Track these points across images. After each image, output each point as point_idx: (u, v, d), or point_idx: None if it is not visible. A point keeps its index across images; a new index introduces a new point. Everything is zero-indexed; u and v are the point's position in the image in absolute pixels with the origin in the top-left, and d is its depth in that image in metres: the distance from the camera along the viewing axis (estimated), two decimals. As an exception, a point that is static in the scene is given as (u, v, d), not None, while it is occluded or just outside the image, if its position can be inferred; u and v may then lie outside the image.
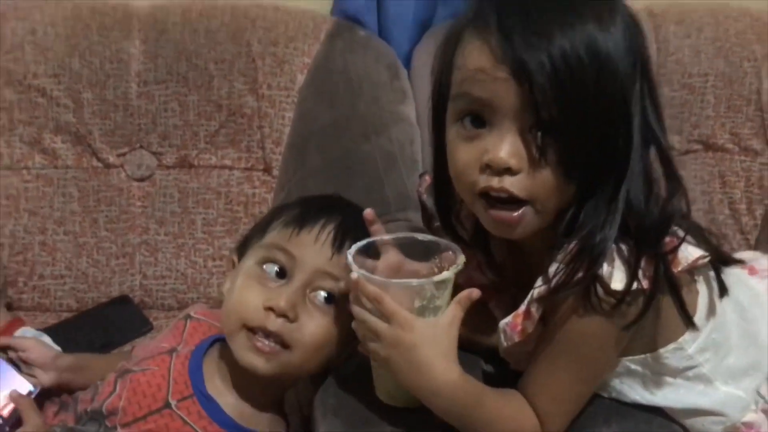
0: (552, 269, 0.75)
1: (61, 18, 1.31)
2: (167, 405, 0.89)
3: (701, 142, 1.43)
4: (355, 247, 0.82)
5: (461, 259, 0.79)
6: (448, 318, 0.77)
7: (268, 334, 0.85)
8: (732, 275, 0.86)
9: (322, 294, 0.86)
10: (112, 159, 1.32)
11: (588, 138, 0.72)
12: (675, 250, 0.75)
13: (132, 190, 1.33)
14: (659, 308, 0.76)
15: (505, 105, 0.72)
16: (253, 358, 0.85)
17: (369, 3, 1.38)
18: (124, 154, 1.33)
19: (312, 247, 0.87)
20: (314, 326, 0.86)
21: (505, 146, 0.73)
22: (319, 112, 1.30)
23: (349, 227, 0.89)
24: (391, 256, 0.84)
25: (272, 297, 0.85)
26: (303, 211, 0.91)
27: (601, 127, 0.72)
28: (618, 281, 0.73)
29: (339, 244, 0.88)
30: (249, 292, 0.86)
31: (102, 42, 1.31)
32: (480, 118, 0.74)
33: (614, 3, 0.75)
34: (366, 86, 1.30)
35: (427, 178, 1.23)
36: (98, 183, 1.32)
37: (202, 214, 1.33)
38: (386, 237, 0.84)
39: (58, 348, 1.04)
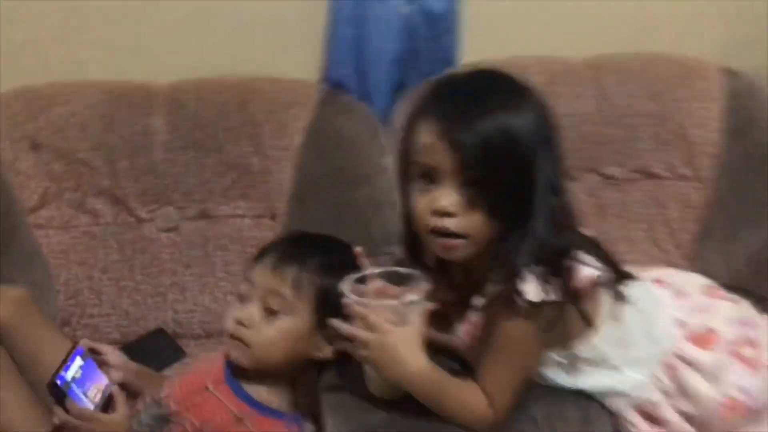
0: (488, 287, 1.00)
1: (97, 100, 1.50)
2: (206, 388, 1.15)
3: (640, 172, 1.64)
4: (349, 278, 1.08)
5: (424, 285, 1.05)
6: (416, 325, 1.02)
7: (234, 338, 1.14)
8: (640, 286, 1.11)
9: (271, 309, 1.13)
10: (143, 215, 1.49)
11: (502, 192, 0.98)
12: (570, 271, 1.00)
13: (161, 240, 1.49)
14: (568, 313, 1.01)
15: (444, 169, 0.99)
16: (233, 352, 1.15)
17: (351, 72, 1.59)
18: (153, 210, 1.49)
19: (261, 272, 1.14)
20: (264, 331, 1.13)
21: (446, 197, 0.99)
22: (314, 167, 1.48)
23: (294, 254, 1.15)
24: (376, 284, 1.09)
25: (237, 313, 1.15)
26: (267, 248, 1.18)
27: (512, 185, 0.98)
28: (532, 294, 0.98)
29: (278, 265, 1.13)
30: (229, 311, 1.17)
31: (132, 118, 1.49)
32: (429, 178, 1.01)
33: (525, 92, 1.02)
34: (352, 144, 1.49)
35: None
36: (133, 236, 1.48)
37: (221, 257, 1.49)
38: (375, 270, 1.10)
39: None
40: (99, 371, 1.18)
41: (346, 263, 1.12)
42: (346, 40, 1.57)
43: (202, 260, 1.50)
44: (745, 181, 1.56)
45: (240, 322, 1.14)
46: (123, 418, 1.15)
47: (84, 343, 1.19)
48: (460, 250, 1.01)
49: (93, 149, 1.49)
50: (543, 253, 0.98)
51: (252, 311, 1.14)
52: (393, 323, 1.03)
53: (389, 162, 1.51)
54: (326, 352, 1.15)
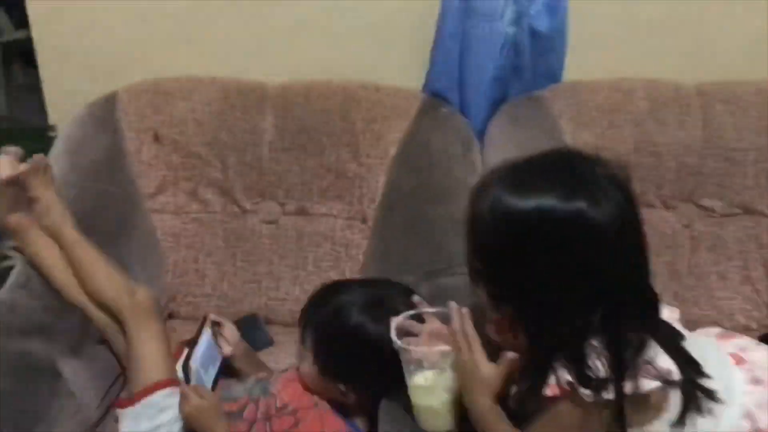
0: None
1: (214, 97, 1.57)
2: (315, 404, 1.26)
3: (741, 207, 1.58)
4: (404, 315, 1.13)
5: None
6: (500, 367, 0.99)
7: None
8: (719, 364, 0.98)
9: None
10: (248, 207, 1.54)
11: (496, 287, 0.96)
12: (632, 381, 0.89)
13: (262, 231, 1.54)
14: (631, 408, 0.91)
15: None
16: None
17: (452, 83, 1.59)
18: (257, 203, 1.54)
19: None
20: (301, 366, 1.27)
21: None
22: (404, 178, 1.49)
23: (311, 306, 1.22)
24: (434, 323, 1.12)
25: None
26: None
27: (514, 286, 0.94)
28: (587, 396, 0.90)
29: (300, 314, 1.24)
30: None
31: (243, 117, 1.54)
32: None
33: (601, 184, 0.88)
34: (443, 159, 1.49)
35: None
36: (237, 225, 1.54)
37: (313, 252, 1.53)
38: (429, 309, 1.14)
39: None
40: (215, 348, 1.28)
41: (378, 311, 1.15)
42: (450, 53, 1.57)
43: (296, 253, 1.54)
44: None
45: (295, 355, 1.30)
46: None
47: (211, 317, 1.29)
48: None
49: (207, 144, 1.55)
50: (617, 348, 0.89)
51: (298, 348, 1.26)
52: (430, 366, 1.06)
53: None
54: (349, 398, 1.21)
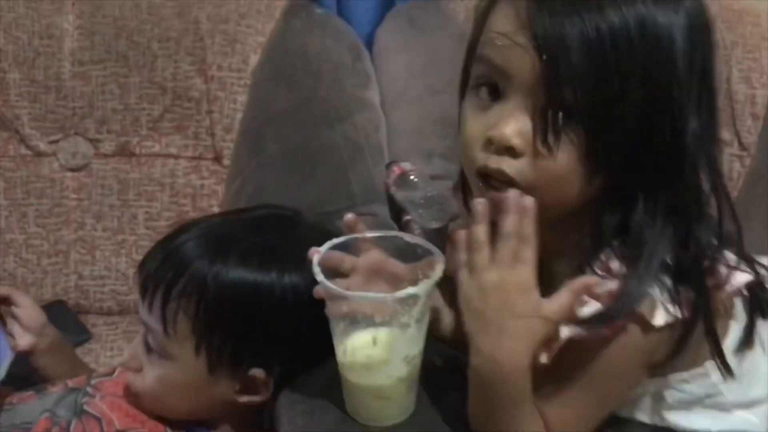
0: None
1: None
2: None
3: None
4: (327, 245, 0.74)
5: (437, 272, 0.70)
6: (554, 306, 0.65)
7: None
8: None
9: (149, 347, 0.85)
10: (42, 147, 1.24)
11: (618, 133, 0.63)
12: (723, 280, 0.68)
13: (66, 181, 1.25)
14: (693, 336, 0.68)
15: (520, 76, 0.63)
16: None
17: None
18: (56, 141, 1.25)
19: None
20: (146, 379, 0.85)
21: (512, 123, 0.64)
22: (275, 95, 1.21)
23: (167, 266, 0.83)
24: (371, 255, 0.74)
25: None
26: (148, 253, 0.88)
27: (641, 124, 0.63)
28: (660, 318, 0.66)
29: (146, 285, 0.84)
30: None
31: (30, 15, 1.23)
32: (497, 89, 0.66)
33: None
34: (326, 68, 1.22)
35: (396, 169, 1.15)
36: (27, 173, 1.24)
37: (144, 208, 1.24)
38: (368, 234, 0.76)
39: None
40: (2, 338, 0.97)
41: (277, 259, 0.81)
42: None
43: (119, 211, 1.26)
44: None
45: (124, 366, 0.88)
46: None
47: None
48: None
49: None
50: (685, 256, 0.66)
51: (135, 349, 0.86)
52: (384, 322, 0.70)
53: (374, 95, 1.23)
54: (263, 391, 0.83)
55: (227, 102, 1.23)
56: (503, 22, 0.65)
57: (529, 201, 0.65)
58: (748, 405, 0.76)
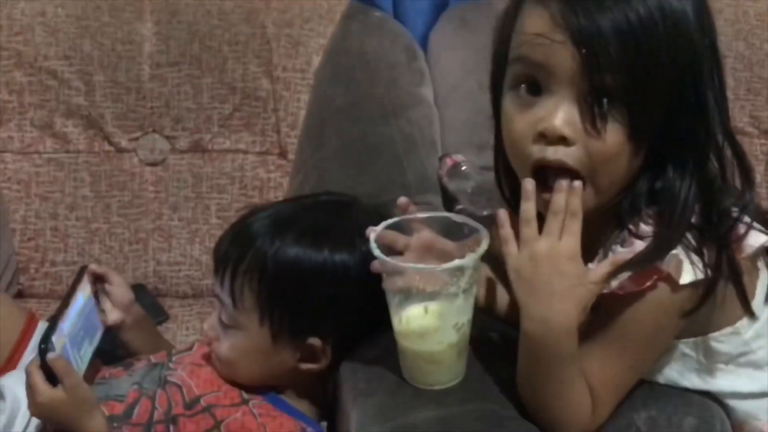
0: (616, 249, 0.72)
1: None
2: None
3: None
4: (383, 224, 0.79)
5: (483, 246, 0.75)
6: (599, 273, 0.71)
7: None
8: None
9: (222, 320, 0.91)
10: (124, 143, 1.29)
11: (655, 108, 0.68)
12: (742, 238, 0.72)
13: (145, 175, 1.29)
14: (720, 294, 0.73)
15: (561, 70, 0.68)
16: None
17: None
18: (136, 138, 1.29)
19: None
20: (221, 348, 0.91)
21: (560, 114, 0.68)
22: (335, 94, 1.25)
23: (234, 247, 0.90)
24: (423, 235, 0.79)
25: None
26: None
27: (672, 97, 0.68)
28: (687, 276, 0.70)
29: (217, 264, 0.91)
30: None
31: (113, 23, 1.27)
32: (537, 85, 0.70)
33: None
34: (383, 68, 1.25)
35: (448, 161, 1.20)
36: (110, 167, 1.28)
37: (216, 200, 1.29)
38: (419, 215, 0.81)
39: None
40: (96, 313, 1.00)
41: (330, 238, 0.86)
42: None
43: (193, 202, 1.30)
44: None
45: (204, 335, 0.95)
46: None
47: (90, 270, 1.01)
48: (583, 197, 0.71)
49: (64, 57, 1.28)
50: (709, 215, 0.71)
51: (212, 321, 0.93)
52: (431, 296, 0.76)
53: (428, 92, 1.27)
54: (322, 360, 0.89)
55: (292, 101, 1.28)
56: (537, 23, 0.69)
57: (576, 183, 0.70)
58: None
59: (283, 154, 1.29)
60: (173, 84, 1.28)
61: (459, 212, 1.14)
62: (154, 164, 1.30)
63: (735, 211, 0.73)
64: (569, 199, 0.70)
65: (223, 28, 1.28)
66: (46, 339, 0.88)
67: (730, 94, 1.31)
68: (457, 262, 0.74)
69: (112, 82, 1.27)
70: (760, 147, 1.39)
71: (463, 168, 1.15)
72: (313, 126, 1.26)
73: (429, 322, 0.77)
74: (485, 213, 1.08)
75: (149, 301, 1.23)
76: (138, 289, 1.23)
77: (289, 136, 1.28)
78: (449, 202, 1.17)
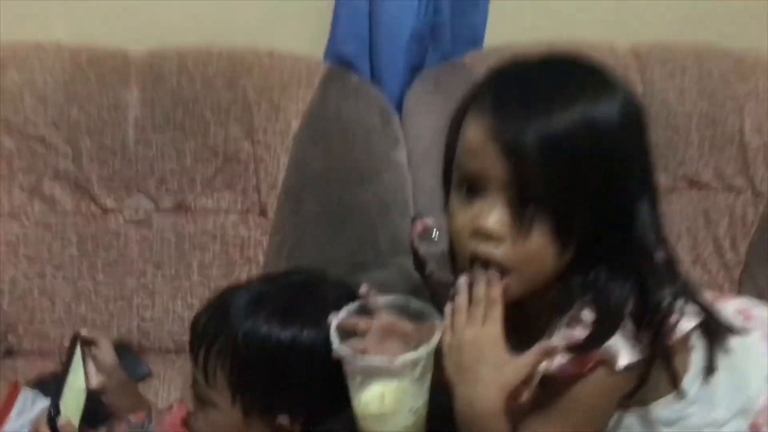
0: (558, 334, 0.76)
1: (59, 67, 1.29)
2: None
3: (686, 180, 1.42)
4: (344, 310, 0.83)
5: (435, 338, 0.78)
6: (524, 361, 0.75)
7: None
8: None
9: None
10: (109, 204, 1.30)
11: (579, 213, 0.72)
12: (675, 323, 0.76)
13: (129, 234, 1.30)
14: (655, 372, 0.77)
15: (494, 178, 0.73)
16: None
17: (361, 48, 1.37)
18: (121, 200, 1.31)
19: None
20: (201, 419, 0.93)
21: (492, 215, 0.74)
22: (313, 158, 1.28)
23: (206, 328, 0.91)
24: (383, 318, 0.83)
25: None
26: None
27: (597, 202, 0.72)
28: (623, 359, 0.74)
29: (192, 343, 0.91)
30: None
31: (99, 90, 1.29)
32: (474, 187, 0.76)
33: (605, 77, 0.76)
34: (359, 132, 1.28)
35: (419, 225, 1.22)
36: (96, 228, 1.30)
37: (198, 257, 1.31)
38: (380, 299, 0.85)
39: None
40: (83, 377, 1.02)
41: (299, 317, 0.88)
42: (355, 10, 1.37)
43: (176, 260, 1.32)
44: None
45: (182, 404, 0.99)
46: None
47: (81, 335, 1.03)
48: (508, 288, 0.76)
49: (52, 124, 1.29)
50: (645, 300, 0.75)
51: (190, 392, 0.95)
52: (390, 380, 0.79)
53: (401, 156, 1.30)
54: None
55: (272, 163, 1.30)
56: (474, 134, 0.75)
57: (493, 274, 0.75)
58: (715, 425, 0.84)
59: (263, 214, 1.31)
60: (158, 147, 1.30)
61: (429, 275, 1.17)
62: (139, 223, 1.31)
63: (668, 300, 0.76)
64: (488, 289, 0.75)
65: (206, 93, 1.30)
66: (56, 404, 0.92)
67: (695, 151, 1.42)
68: (410, 355, 0.77)
69: (99, 147, 1.29)
70: (724, 201, 1.43)
71: (433, 233, 1.17)
72: (291, 188, 1.29)
73: (386, 406, 0.80)
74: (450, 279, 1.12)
75: (132, 359, 1.24)
76: (122, 348, 1.21)
77: (269, 196, 1.30)
78: (420, 264, 1.19)
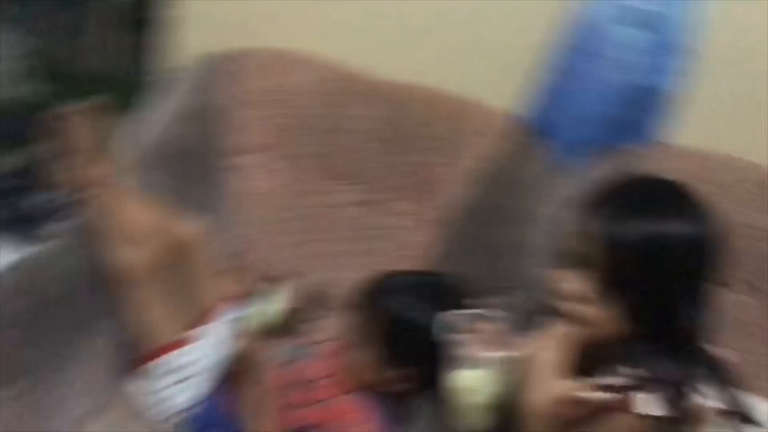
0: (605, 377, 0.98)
1: (328, 77, 1.59)
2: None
3: None
4: (461, 312, 1.14)
5: (520, 351, 1.09)
6: (568, 384, 1.00)
7: None
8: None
9: None
10: (331, 188, 1.61)
11: (649, 303, 0.98)
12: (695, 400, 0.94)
13: (345, 212, 1.61)
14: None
15: (593, 258, 1.00)
16: None
17: (553, 118, 1.51)
18: (340, 186, 1.61)
19: None
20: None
21: (569, 281, 1.04)
22: (480, 194, 1.52)
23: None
24: (485, 327, 1.11)
25: None
26: None
27: (656, 295, 0.98)
28: (646, 409, 0.93)
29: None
30: None
31: (351, 102, 1.60)
32: (570, 262, 1.04)
33: (699, 204, 1.00)
34: (524, 183, 1.48)
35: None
36: (315, 202, 1.59)
37: (381, 244, 1.58)
38: (489, 312, 1.13)
39: None
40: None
41: (447, 302, 1.20)
42: (552, 88, 1.53)
43: (364, 242, 1.58)
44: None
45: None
46: None
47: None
48: (576, 335, 1.01)
49: (311, 118, 1.59)
50: (673, 371, 0.96)
51: None
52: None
53: (547, 212, 1.44)
54: (404, 385, 1.26)
55: (450, 189, 1.57)
56: (595, 228, 1.01)
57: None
58: None
59: (433, 226, 1.54)
60: (373, 156, 1.60)
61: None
62: (344, 207, 1.58)
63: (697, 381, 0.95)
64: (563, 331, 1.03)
65: (425, 128, 1.59)
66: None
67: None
68: (501, 355, 1.09)
69: (336, 143, 1.61)
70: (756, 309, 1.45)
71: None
72: (458, 215, 1.54)
73: (479, 381, 1.11)
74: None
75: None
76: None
77: (440, 214, 1.56)
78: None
